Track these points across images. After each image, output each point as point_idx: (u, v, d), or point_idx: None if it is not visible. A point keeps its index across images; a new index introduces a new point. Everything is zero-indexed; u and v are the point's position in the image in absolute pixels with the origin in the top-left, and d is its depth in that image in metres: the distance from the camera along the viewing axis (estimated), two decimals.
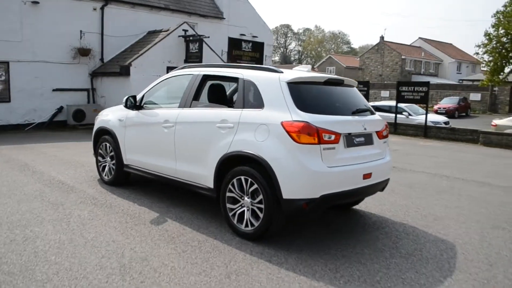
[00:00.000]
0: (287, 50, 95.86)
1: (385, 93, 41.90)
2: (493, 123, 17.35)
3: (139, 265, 3.76)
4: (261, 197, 4.27)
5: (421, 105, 18.71)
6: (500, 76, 27.19)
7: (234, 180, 4.51)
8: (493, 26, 26.66)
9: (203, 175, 4.88)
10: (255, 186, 4.31)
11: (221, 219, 5.01)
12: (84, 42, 15.31)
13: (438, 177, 8.40)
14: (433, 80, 41.11)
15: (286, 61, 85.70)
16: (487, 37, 27.10)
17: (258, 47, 22.17)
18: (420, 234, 4.91)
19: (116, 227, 4.69)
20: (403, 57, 46.77)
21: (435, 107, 31.14)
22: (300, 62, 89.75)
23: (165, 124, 5.35)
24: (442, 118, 20.50)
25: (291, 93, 4.32)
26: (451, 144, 15.00)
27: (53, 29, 14.72)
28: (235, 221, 4.56)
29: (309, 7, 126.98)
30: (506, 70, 27.08)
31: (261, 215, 4.30)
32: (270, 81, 4.51)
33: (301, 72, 4.86)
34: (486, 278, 3.84)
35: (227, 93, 6.01)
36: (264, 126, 4.29)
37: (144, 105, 5.95)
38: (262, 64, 21.76)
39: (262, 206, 4.28)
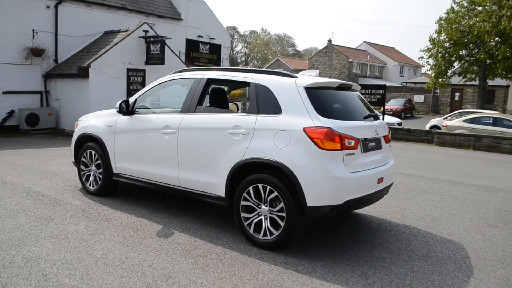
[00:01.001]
0: (234, 52, 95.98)
1: None
2: (443, 124, 18.39)
3: (166, 284, 3.51)
4: (282, 205, 4.16)
5: (377, 107, 19.45)
6: (444, 79, 28.81)
7: (250, 188, 4.36)
8: (436, 32, 28.24)
9: (212, 183, 4.67)
10: (275, 194, 4.19)
11: (230, 228, 4.85)
12: (37, 41, 14.33)
13: (414, 177, 8.71)
14: (378, 83, 42.90)
15: (233, 63, 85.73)
16: (431, 42, 28.64)
17: (215, 49, 22.01)
18: (426, 235, 5.03)
19: (122, 242, 4.37)
20: (350, 60, 48.40)
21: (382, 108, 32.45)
22: (246, 64, 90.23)
23: (165, 130, 5.07)
24: (395, 120, 21.41)
25: (309, 98, 4.26)
26: (410, 145, 15.69)
27: (3, 27, 13.64)
28: (251, 231, 4.41)
29: (255, 10, 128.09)
30: (449, 73, 28.73)
31: (282, 224, 4.19)
32: (286, 86, 4.41)
33: (315, 77, 4.81)
34: (504, 275, 3.99)
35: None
36: (284, 132, 4.19)
37: (137, 110, 5.62)
38: (220, 65, 21.62)
39: (283, 214, 4.17)
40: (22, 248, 4.10)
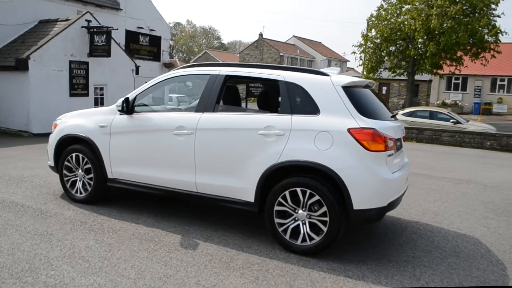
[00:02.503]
0: None
1: None
2: None
3: None
4: (324, 209, 3.99)
5: None
6: (375, 74, 30.33)
7: (287, 193, 4.13)
8: (368, 28, 29.63)
9: (239, 188, 4.37)
10: (316, 197, 4.01)
11: (254, 234, 4.60)
12: None
13: None
14: None
15: None
16: (363, 39, 30.00)
17: (155, 41, 21.04)
18: (441, 231, 5.16)
19: (149, 257, 3.92)
20: (281, 54, 49.22)
21: None
22: (171, 56, 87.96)
23: (178, 131, 4.64)
24: None
25: (349, 97, 4.13)
26: None
27: None
28: (287, 237, 4.19)
29: (181, 1, 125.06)
30: (381, 68, 30.30)
31: (324, 228, 4.02)
32: (322, 85, 4.23)
33: (349, 76, 4.68)
34: None
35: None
36: (326, 133, 4.01)
37: (136, 109, 5.08)
38: (159, 58, 20.73)
39: (325, 218, 4.00)
40: (38, 273, 3.50)
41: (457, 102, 34.64)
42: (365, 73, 30.81)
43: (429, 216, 5.74)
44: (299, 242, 4.14)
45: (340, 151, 3.97)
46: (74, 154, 5.41)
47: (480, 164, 10.95)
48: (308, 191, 4.04)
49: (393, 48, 29.66)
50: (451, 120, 16.96)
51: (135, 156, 4.99)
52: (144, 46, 20.21)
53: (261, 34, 50.69)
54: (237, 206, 4.47)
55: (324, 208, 3.99)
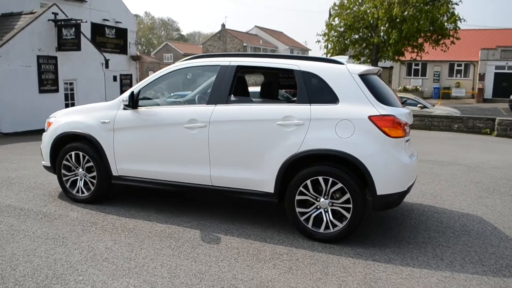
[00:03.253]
0: None
1: None
2: None
3: None
4: (347, 196, 4.03)
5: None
6: None
7: (308, 182, 4.14)
8: (331, 17, 29.99)
9: (258, 179, 4.34)
10: (339, 185, 4.04)
11: (272, 225, 4.60)
12: None
13: None
14: None
15: None
16: (327, 27, 30.36)
17: (122, 33, 20.40)
18: (446, 211, 5.33)
19: (176, 255, 3.82)
20: (244, 44, 49.02)
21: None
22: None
23: (190, 124, 4.53)
24: None
25: (366, 85, 4.17)
26: None
27: None
28: (309, 225, 4.21)
29: None
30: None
31: (348, 215, 4.07)
32: (339, 74, 4.24)
33: (362, 65, 4.70)
34: None
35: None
36: (347, 121, 4.04)
37: (140, 103, 4.90)
38: (126, 51, 20.12)
39: (348, 205, 4.05)
40: (65, 279, 3.33)
41: (418, 87, 35.89)
42: None
43: (429, 198, 5.93)
44: (322, 230, 4.17)
45: (362, 138, 4.01)
46: (73, 153, 5.17)
47: (454, 146, 11.41)
48: (331, 179, 4.06)
49: (357, 36, 30.25)
50: (418, 105, 17.52)
51: (143, 152, 4.83)
52: (110, 39, 19.54)
53: (223, 25, 50.25)
54: (255, 197, 4.44)
55: (347, 195, 4.03)
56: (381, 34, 28.08)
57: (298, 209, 4.23)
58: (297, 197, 4.21)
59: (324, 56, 4.54)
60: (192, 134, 4.53)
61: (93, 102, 15.40)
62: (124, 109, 4.89)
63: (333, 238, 4.15)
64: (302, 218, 4.23)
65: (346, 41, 30.10)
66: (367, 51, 29.96)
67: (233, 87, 4.56)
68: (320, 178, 4.10)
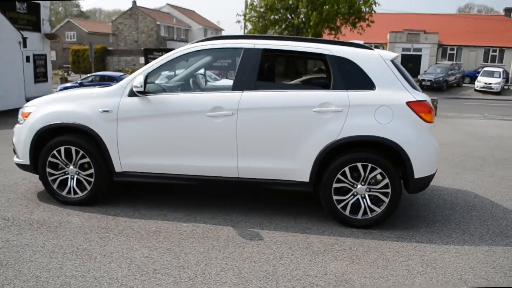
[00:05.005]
0: None
1: (143, 60, 41.37)
2: None
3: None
4: (386, 181, 4.05)
5: None
6: None
7: (346, 169, 4.07)
8: None
9: (292, 169, 4.16)
10: (378, 171, 4.04)
11: (298, 214, 4.49)
12: None
13: None
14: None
15: None
16: (248, 8, 30.19)
17: (34, 8, 18.20)
18: (442, 189, 5.65)
19: (229, 256, 3.52)
20: (158, 23, 46.79)
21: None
22: None
23: (214, 112, 4.16)
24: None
25: (398, 71, 4.18)
26: None
27: None
28: (346, 213, 4.16)
29: None
30: None
31: (386, 200, 4.10)
32: (373, 59, 4.18)
33: (389, 52, 4.65)
34: None
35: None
36: (386, 107, 4.02)
37: (147, 90, 4.36)
38: (40, 28, 18.02)
39: (387, 190, 4.08)
40: None
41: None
42: None
43: None
44: (359, 216, 4.15)
45: (400, 124, 4.03)
46: (62, 148, 4.47)
47: None
48: (370, 165, 4.04)
49: (277, 17, 30.58)
50: None
51: (156, 144, 4.34)
52: (22, 14, 17.28)
53: (134, 2, 47.31)
54: (288, 188, 4.28)
55: (386, 180, 4.05)
56: (301, 16, 28.69)
57: (335, 197, 4.15)
58: (335, 185, 4.12)
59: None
60: (217, 123, 4.17)
61: (10, 87, 13.61)
62: (130, 96, 4.32)
63: (370, 224, 4.16)
64: (339, 206, 4.16)
65: (266, 22, 30.28)
66: (286, 32, 30.45)
67: (260, 71, 4.26)
68: (359, 165, 4.05)
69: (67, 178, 4.58)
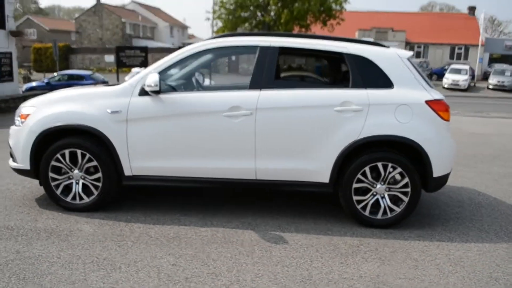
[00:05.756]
0: None
1: (109, 58, 40.25)
2: None
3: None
4: (406, 180, 4.05)
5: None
6: None
7: (367, 169, 4.05)
8: None
9: (312, 169, 4.10)
10: (398, 170, 4.04)
11: (315, 216, 4.42)
12: None
13: None
14: (151, 44, 41.79)
15: None
16: (219, 5, 29.98)
17: None
18: (450, 187, 5.74)
19: (258, 261, 3.41)
20: (123, 20, 45.60)
21: None
22: None
23: (232, 112, 4.03)
24: None
25: (415, 70, 4.19)
26: None
27: None
28: (366, 213, 4.14)
29: None
30: None
31: (405, 199, 4.10)
32: (390, 58, 4.17)
33: (403, 50, 4.64)
34: None
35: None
36: (405, 106, 4.02)
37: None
38: (4, 25, 17.08)
39: (406, 189, 4.08)
40: None
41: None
42: None
43: None
44: (379, 216, 4.14)
45: (420, 123, 4.04)
46: (67, 151, 4.21)
47: None
48: (390, 164, 4.03)
49: (247, 14, 30.53)
50: None
51: (169, 146, 4.16)
52: None
53: None
54: (307, 189, 4.23)
55: (406, 180, 4.05)
56: (272, 13, 28.77)
57: (355, 197, 4.12)
58: (354, 185, 4.09)
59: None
60: (235, 124, 4.04)
61: None
62: (141, 95, 4.12)
63: (390, 223, 4.16)
64: (359, 206, 4.13)
65: (237, 19, 30.18)
66: (257, 30, 30.44)
67: (277, 70, 4.17)
68: (379, 164, 4.04)
69: (71, 183, 4.32)
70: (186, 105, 4.13)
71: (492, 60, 40.11)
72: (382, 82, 4.11)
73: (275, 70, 4.14)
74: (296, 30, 29.29)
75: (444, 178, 4.22)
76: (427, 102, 4.05)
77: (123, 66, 17.61)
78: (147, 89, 4.00)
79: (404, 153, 4.09)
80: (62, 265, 3.26)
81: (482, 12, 35.23)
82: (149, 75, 4.03)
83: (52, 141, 4.24)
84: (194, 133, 4.13)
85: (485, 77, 34.22)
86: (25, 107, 4.42)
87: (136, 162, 4.21)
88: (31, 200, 4.63)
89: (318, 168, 4.09)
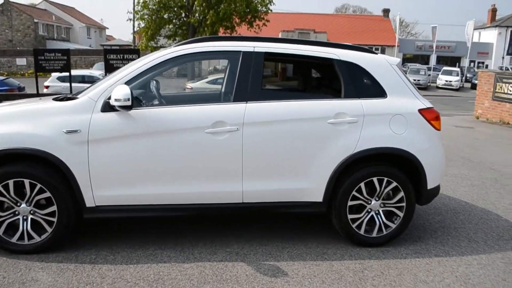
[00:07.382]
0: None
1: (21, 61, 36.76)
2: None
3: None
4: (401, 194, 3.84)
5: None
6: (154, 42, 29.44)
7: (362, 185, 3.77)
8: None
9: (304, 188, 3.72)
10: (394, 184, 3.81)
11: (306, 237, 4.06)
12: None
13: None
14: (67, 46, 39.04)
15: None
16: (141, 5, 28.48)
17: None
18: (445, 198, 5.70)
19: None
20: (36, 20, 41.88)
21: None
22: None
23: (215, 128, 3.52)
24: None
25: (404, 76, 4.00)
26: None
27: None
28: (361, 232, 3.86)
29: None
30: (162, 36, 29.53)
31: (401, 214, 3.89)
32: (381, 64, 3.92)
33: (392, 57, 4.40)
34: None
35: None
36: (400, 116, 3.80)
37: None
38: None
39: (402, 204, 3.87)
40: None
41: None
42: (144, 41, 29.59)
43: None
44: (374, 234, 3.88)
45: (414, 133, 3.84)
46: (11, 181, 3.41)
47: None
48: (385, 179, 3.79)
49: (171, 15, 29.39)
50: None
51: (141, 170, 3.53)
52: None
53: None
54: (298, 210, 3.84)
55: (401, 194, 3.84)
56: (197, 14, 27.98)
57: (350, 216, 3.81)
58: (350, 203, 3.79)
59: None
60: (218, 141, 3.53)
61: None
62: (104, 111, 3.45)
63: (386, 241, 3.92)
64: (354, 225, 3.84)
65: (160, 20, 28.95)
66: (180, 32, 29.44)
67: (262, 78, 3.72)
68: (375, 179, 3.78)
69: (18, 219, 3.51)
70: (160, 121, 3.52)
71: (405, 60, 43.00)
72: (375, 91, 3.85)
73: (260, 79, 3.70)
74: (221, 32, 28.78)
75: (437, 189, 4.07)
76: (419, 111, 3.88)
77: (42, 70, 15.80)
78: (115, 104, 3.34)
79: (398, 165, 3.88)
80: None
81: (397, 15, 37.45)
82: (116, 87, 3.38)
83: None
84: (172, 154, 3.54)
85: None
86: None
87: (99, 191, 3.52)
88: None
89: (312, 187, 3.72)
